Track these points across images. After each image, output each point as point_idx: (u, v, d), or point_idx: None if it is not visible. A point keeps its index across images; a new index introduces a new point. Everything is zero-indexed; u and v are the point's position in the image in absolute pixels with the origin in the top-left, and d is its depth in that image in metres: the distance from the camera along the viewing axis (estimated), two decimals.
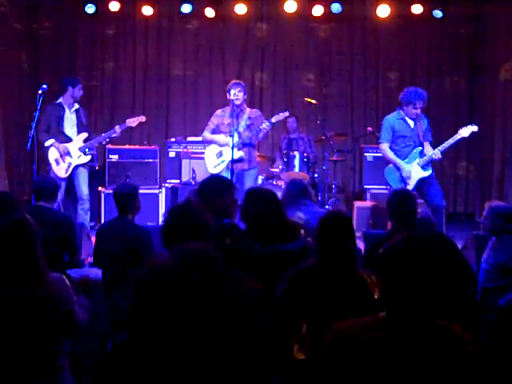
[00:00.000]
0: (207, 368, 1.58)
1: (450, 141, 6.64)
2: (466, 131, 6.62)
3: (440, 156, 6.63)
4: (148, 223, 7.75)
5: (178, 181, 8.79)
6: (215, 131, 7.06)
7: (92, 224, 7.96)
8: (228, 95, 6.90)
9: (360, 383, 2.02)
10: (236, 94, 6.77)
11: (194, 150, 8.79)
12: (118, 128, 7.15)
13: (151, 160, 8.83)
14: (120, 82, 9.98)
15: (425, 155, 6.63)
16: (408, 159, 6.64)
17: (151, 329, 1.58)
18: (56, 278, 2.90)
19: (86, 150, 7.19)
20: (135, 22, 9.87)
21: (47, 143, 7.04)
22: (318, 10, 9.51)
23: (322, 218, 3.18)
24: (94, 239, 4.89)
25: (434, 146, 6.75)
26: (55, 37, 9.71)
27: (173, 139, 9.21)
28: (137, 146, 9.22)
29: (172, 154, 9.00)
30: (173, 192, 8.56)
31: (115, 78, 9.99)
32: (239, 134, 6.81)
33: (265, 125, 6.77)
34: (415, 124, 6.66)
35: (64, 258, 4.62)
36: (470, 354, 2.04)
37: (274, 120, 6.91)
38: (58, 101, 7.15)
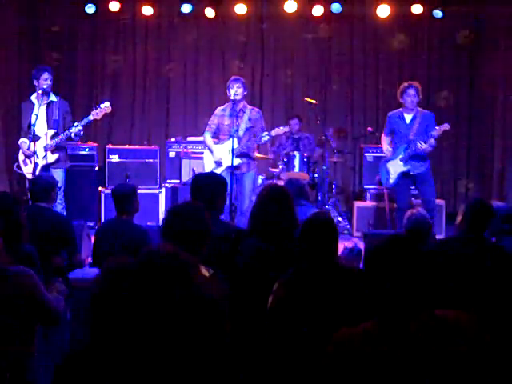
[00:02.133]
0: (170, 370, 1.56)
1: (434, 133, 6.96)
2: (438, 131, 6.93)
3: (424, 146, 6.91)
4: (148, 223, 7.76)
5: (177, 181, 8.80)
6: (216, 133, 7.06)
7: (92, 224, 7.97)
8: (228, 92, 6.91)
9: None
10: (236, 90, 6.78)
11: (194, 150, 8.80)
12: (76, 124, 6.62)
13: (151, 160, 8.84)
14: (120, 82, 9.98)
15: (409, 151, 7.02)
16: (395, 154, 7.14)
17: (114, 331, 1.56)
18: (17, 271, 2.87)
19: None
20: (135, 21, 9.87)
21: (19, 142, 6.84)
22: (318, 10, 9.50)
23: (303, 222, 3.19)
24: (93, 239, 4.90)
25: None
26: (55, 37, 9.71)
27: (173, 139, 9.21)
28: (137, 146, 9.23)
29: (172, 154, 9.01)
30: (173, 192, 8.58)
31: (115, 78, 9.99)
32: (239, 139, 6.79)
33: (265, 138, 6.86)
34: (412, 120, 7.10)
35: (63, 258, 4.61)
36: (468, 342, 2.01)
37: (273, 133, 7.02)
38: (31, 96, 6.77)
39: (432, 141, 6.94)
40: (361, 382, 2.00)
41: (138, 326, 1.56)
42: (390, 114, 7.32)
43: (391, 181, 7.17)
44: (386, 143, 7.27)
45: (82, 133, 6.75)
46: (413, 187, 7.41)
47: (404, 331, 2.01)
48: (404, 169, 7.08)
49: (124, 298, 1.57)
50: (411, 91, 7.00)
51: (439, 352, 1.99)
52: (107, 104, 6.77)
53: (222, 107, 7.10)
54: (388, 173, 7.19)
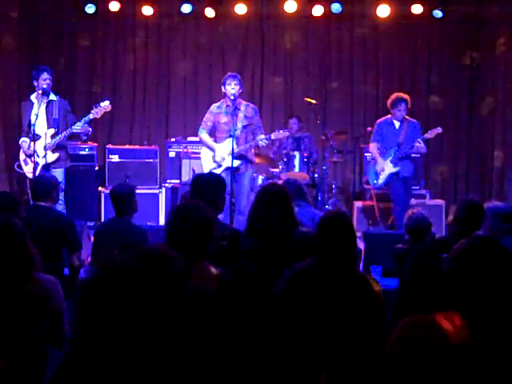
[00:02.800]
0: (161, 368, 1.56)
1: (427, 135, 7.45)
2: (431, 134, 7.42)
3: (422, 145, 7.35)
4: (148, 223, 7.76)
5: (177, 181, 8.80)
6: (212, 131, 7.00)
7: (92, 224, 7.97)
8: (223, 88, 6.85)
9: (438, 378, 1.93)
10: (233, 87, 6.73)
11: (194, 150, 8.78)
12: (78, 124, 6.62)
13: (151, 160, 8.84)
14: (120, 82, 9.97)
15: (399, 153, 7.39)
16: (385, 156, 7.51)
17: (104, 330, 1.55)
18: (47, 279, 2.89)
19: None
20: (135, 21, 9.87)
21: (20, 142, 6.84)
22: (317, 10, 9.49)
23: (321, 218, 3.18)
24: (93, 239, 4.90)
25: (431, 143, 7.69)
26: (55, 37, 9.71)
27: (173, 139, 9.21)
28: (137, 146, 9.23)
29: (172, 154, 9.00)
30: (173, 192, 8.57)
31: (115, 78, 9.98)
32: (237, 139, 6.71)
33: (262, 142, 6.79)
34: (400, 125, 7.53)
35: (63, 258, 4.61)
36: None
37: (273, 137, 6.92)
38: (31, 96, 6.80)
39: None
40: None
41: (125, 325, 1.55)
42: (378, 121, 7.73)
43: (380, 181, 7.57)
44: (375, 149, 7.63)
45: (90, 132, 6.76)
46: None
47: (493, 330, 1.98)
48: (394, 170, 7.45)
49: (112, 297, 1.56)
50: (402, 106, 7.42)
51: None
52: (107, 103, 6.75)
53: (216, 104, 7.00)
54: (376, 174, 7.58)
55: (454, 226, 4.11)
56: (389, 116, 7.63)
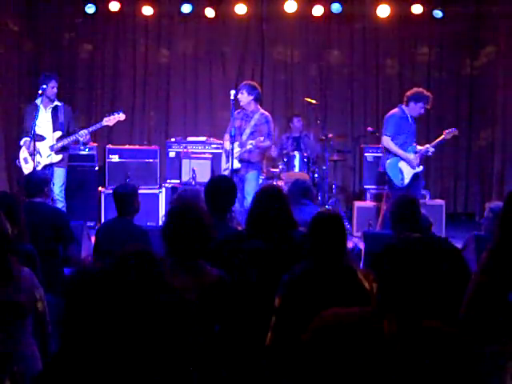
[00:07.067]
0: (142, 373, 1.56)
1: (437, 140, 7.37)
2: (448, 135, 7.33)
3: (433, 150, 7.31)
4: (148, 223, 7.76)
5: (178, 181, 8.79)
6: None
7: (92, 224, 7.97)
8: None
9: (344, 371, 2.03)
10: (239, 96, 6.89)
11: (194, 150, 8.79)
12: (83, 132, 6.83)
13: (151, 160, 8.84)
14: (120, 82, 9.98)
15: (417, 152, 7.16)
16: (407, 153, 7.13)
17: (88, 332, 1.55)
18: (26, 273, 2.88)
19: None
20: (135, 22, 9.87)
21: (21, 142, 6.98)
22: (317, 10, 9.50)
23: (312, 218, 3.18)
24: (93, 239, 4.90)
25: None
26: (55, 37, 9.71)
27: (173, 139, 9.21)
28: (137, 146, 9.23)
29: (172, 154, 8.99)
30: (173, 192, 8.56)
31: (115, 78, 9.98)
32: (242, 144, 6.88)
33: (250, 145, 6.84)
34: (413, 122, 7.14)
35: (59, 252, 4.63)
36: (456, 354, 2.06)
37: (254, 143, 6.87)
38: (36, 100, 7.00)
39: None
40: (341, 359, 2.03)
41: (108, 328, 1.55)
42: (393, 114, 7.12)
43: (406, 181, 7.06)
44: (394, 144, 7.04)
45: (89, 143, 7.10)
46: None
47: (397, 332, 2.05)
48: (418, 170, 7.12)
49: (95, 300, 1.56)
50: (425, 104, 7.00)
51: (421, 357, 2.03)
52: (122, 115, 7.00)
53: (238, 110, 7.11)
54: (402, 173, 7.06)
55: (393, 226, 4.12)
56: (398, 109, 7.11)
